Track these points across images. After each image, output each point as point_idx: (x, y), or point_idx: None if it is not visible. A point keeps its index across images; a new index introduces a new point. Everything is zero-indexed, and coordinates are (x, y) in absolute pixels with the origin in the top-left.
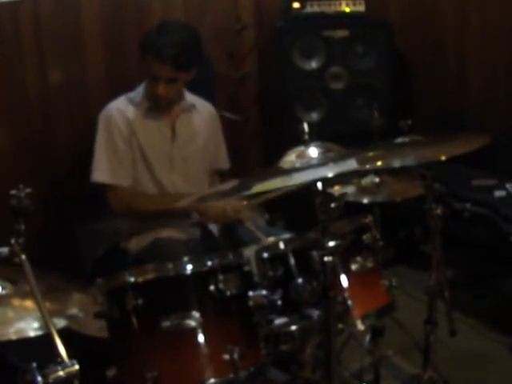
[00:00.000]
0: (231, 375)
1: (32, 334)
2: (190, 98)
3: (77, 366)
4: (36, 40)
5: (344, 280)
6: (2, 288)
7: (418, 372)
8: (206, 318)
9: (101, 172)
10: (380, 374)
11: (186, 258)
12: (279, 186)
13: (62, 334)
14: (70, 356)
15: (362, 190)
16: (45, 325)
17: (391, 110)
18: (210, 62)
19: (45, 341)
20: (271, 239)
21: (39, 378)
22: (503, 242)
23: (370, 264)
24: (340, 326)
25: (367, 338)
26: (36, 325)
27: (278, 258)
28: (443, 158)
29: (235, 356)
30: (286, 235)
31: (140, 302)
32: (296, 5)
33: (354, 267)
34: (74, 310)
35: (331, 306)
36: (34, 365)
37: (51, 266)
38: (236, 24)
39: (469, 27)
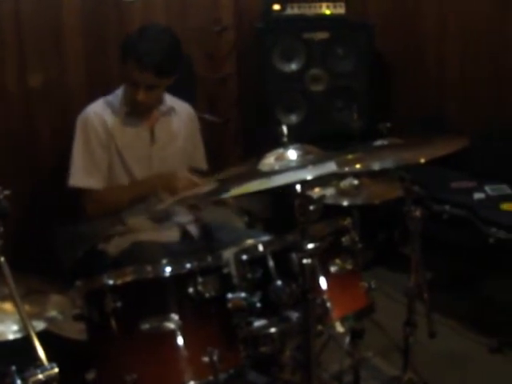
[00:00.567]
0: (211, 377)
1: (11, 336)
2: (169, 100)
3: (56, 369)
4: (17, 39)
5: (323, 282)
6: None
7: (398, 374)
8: (185, 321)
9: (76, 177)
10: (360, 376)
11: (164, 261)
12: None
13: (42, 336)
14: (49, 359)
15: (342, 193)
16: (24, 328)
17: (371, 112)
18: (189, 64)
19: (24, 344)
20: (250, 241)
21: (19, 382)
22: (482, 243)
23: (349, 266)
24: (319, 327)
25: (347, 339)
26: (15, 328)
27: (257, 260)
28: (422, 160)
29: (215, 358)
30: (265, 237)
31: (119, 304)
32: (276, 7)
33: (333, 269)
34: (53, 313)
35: (310, 308)
36: (14, 368)
37: (30, 267)
38: (216, 25)
39: (448, 30)
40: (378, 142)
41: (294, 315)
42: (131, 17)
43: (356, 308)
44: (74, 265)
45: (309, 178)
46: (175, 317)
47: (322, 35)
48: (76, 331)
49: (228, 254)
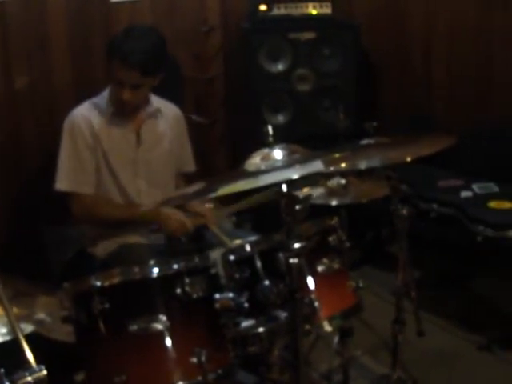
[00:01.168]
0: (199, 378)
1: None
2: (155, 101)
3: (45, 372)
4: (2, 39)
5: (310, 281)
6: None
7: (387, 372)
8: (173, 321)
9: (64, 180)
10: (349, 375)
11: (152, 262)
12: (245, 189)
13: (30, 339)
14: (37, 361)
15: (329, 192)
16: (12, 330)
17: (357, 111)
18: (176, 65)
19: (12, 346)
20: (237, 242)
21: None
22: (470, 242)
23: (336, 265)
24: (307, 327)
25: (335, 338)
26: (3, 330)
27: (245, 260)
28: (408, 159)
29: (203, 359)
30: (253, 237)
31: (107, 306)
32: (263, 7)
33: (320, 269)
34: (41, 315)
35: (298, 308)
36: (2, 370)
37: (18, 269)
38: (202, 26)
39: (435, 29)
40: (365, 141)
41: (282, 315)
42: (118, 17)
43: (344, 307)
44: (63, 267)
45: (295, 177)
46: (163, 317)
47: (308, 35)
48: (64, 333)
49: (215, 254)
